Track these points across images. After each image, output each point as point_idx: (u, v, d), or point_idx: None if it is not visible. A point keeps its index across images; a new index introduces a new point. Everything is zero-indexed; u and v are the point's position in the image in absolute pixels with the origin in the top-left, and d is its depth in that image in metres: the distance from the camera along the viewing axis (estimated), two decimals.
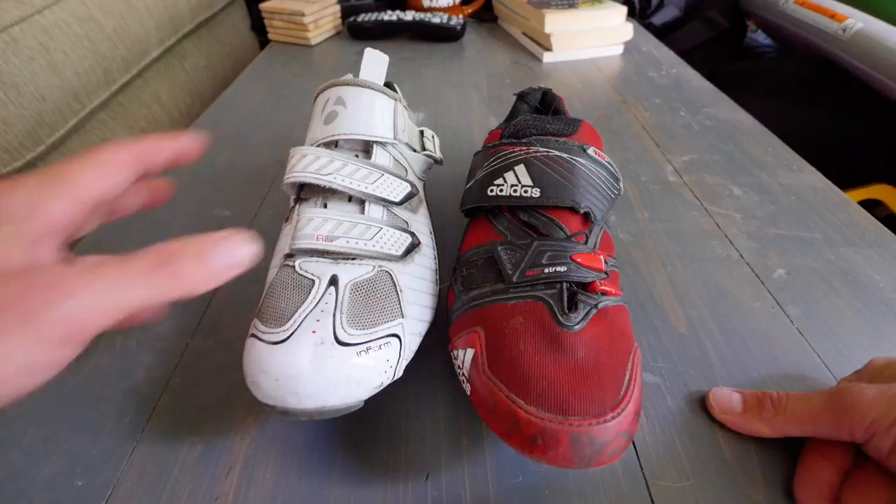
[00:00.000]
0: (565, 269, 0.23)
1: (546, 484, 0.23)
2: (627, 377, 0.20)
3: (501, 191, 0.27)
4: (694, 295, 0.32)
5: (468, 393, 0.21)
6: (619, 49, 0.73)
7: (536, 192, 0.26)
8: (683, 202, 0.41)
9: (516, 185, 0.26)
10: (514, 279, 0.23)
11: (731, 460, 0.23)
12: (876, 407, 0.20)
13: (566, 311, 0.22)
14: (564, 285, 0.23)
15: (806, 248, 0.36)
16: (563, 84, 0.63)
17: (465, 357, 0.22)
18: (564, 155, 0.27)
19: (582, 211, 0.26)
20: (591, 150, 0.28)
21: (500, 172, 0.27)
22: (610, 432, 0.18)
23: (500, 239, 0.26)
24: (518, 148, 0.28)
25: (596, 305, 0.22)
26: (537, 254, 0.24)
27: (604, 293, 0.23)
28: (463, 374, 0.22)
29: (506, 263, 0.24)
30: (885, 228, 0.38)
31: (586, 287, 0.23)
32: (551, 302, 0.22)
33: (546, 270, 0.23)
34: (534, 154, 0.27)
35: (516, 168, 0.27)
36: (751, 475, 0.23)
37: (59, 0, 0.53)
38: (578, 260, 0.23)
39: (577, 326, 0.21)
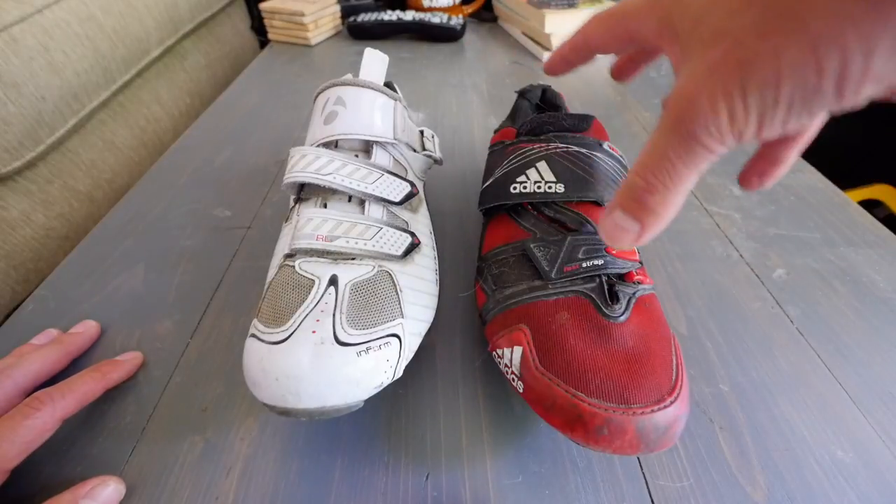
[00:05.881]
0: (602, 262, 0.23)
1: (546, 484, 0.23)
2: (674, 361, 0.20)
3: (525, 188, 0.27)
4: (694, 295, 0.32)
5: (520, 391, 0.21)
6: None
7: (561, 188, 0.26)
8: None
9: (539, 182, 0.27)
10: (553, 275, 0.23)
11: (730, 460, 0.23)
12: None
13: (609, 302, 0.22)
14: (603, 278, 0.23)
15: (806, 248, 0.36)
16: (562, 84, 0.63)
17: (512, 356, 0.22)
18: (584, 150, 0.27)
19: (605, 204, 0.26)
20: (605, 145, 0.28)
21: (521, 170, 0.28)
22: (670, 416, 0.18)
23: (529, 236, 0.26)
24: (537, 145, 0.28)
25: (634, 294, 0.23)
26: (572, 249, 0.24)
27: (639, 282, 0.24)
28: (512, 373, 0.22)
29: (541, 260, 0.24)
30: (885, 228, 0.38)
31: (623, 278, 0.24)
32: (593, 296, 0.22)
33: (584, 265, 0.23)
34: (554, 150, 0.27)
35: (538, 165, 0.27)
36: (751, 475, 0.23)
37: (58, 0, 0.53)
38: (613, 252, 0.24)
39: (621, 318, 0.22)
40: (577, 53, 0.23)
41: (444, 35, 0.76)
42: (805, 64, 0.12)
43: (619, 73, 0.26)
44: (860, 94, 0.12)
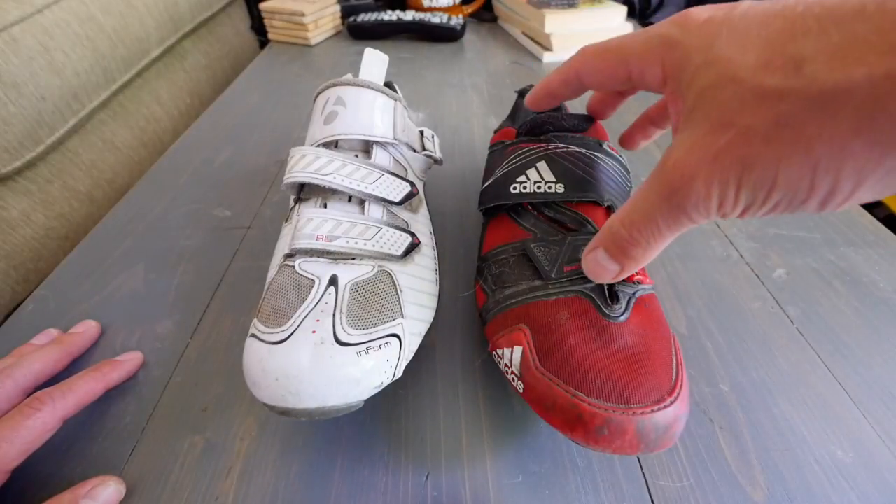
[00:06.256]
0: None
1: (546, 484, 0.23)
2: (674, 361, 0.20)
3: (525, 188, 0.27)
4: (694, 295, 0.32)
5: (520, 391, 0.21)
6: None
7: (561, 188, 0.26)
8: None
9: (539, 182, 0.27)
10: (553, 275, 0.23)
11: (731, 460, 0.23)
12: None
13: (609, 302, 0.22)
14: None
15: (806, 248, 0.36)
16: None
17: (512, 356, 0.22)
18: (584, 150, 0.27)
19: (605, 204, 0.26)
20: (605, 145, 0.28)
21: (521, 170, 0.28)
22: (670, 416, 0.18)
23: (529, 236, 0.26)
24: (537, 145, 0.28)
25: (634, 294, 0.23)
26: (572, 249, 0.24)
27: (639, 282, 0.23)
28: (512, 373, 0.22)
29: (541, 260, 0.24)
30: (885, 228, 0.38)
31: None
32: (593, 296, 0.22)
33: None
34: (554, 150, 0.27)
35: (538, 165, 0.27)
36: (751, 475, 0.23)
37: (59, 0, 0.53)
38: None
39: (621, 318, 0.21)
40: (566, 88, 0.22)
41: (444, 35, 0.76)
42: (801, 179, 0.13)
43: (599, 110, 0.27)
44: (838, 209, 0.14)
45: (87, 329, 0.29)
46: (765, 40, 0.14)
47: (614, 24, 0.71)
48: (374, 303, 0.22)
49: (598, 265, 0.19)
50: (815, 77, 0.12)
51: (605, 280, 0.20)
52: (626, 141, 0.27)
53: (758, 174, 0.14)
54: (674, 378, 0.20)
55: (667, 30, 0.17)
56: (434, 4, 0.85)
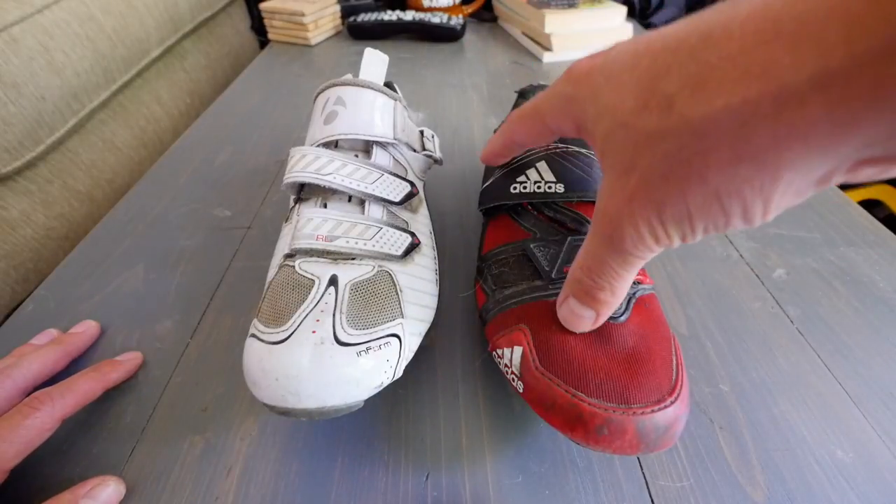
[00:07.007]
0: None
1: (546, 484, 0.23)
2: (674, 361, 0.20)
3: (525, 188, 0.27)
4: (694, 295, 0.32)
5: (520, 391, 0.21)
6: None
7: (560, 188, 0.26)
8: None
9: (539, 182, 0.27)
10: (553, 275, 0.23)
11: (730, 460, 0.23)
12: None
13: None
14: None
15: (806, 248, 0.36)
16: None
17: (512, 356, 0.22)
18: (583, 150, 0.27)
19: None
20: None
21: (521, 170, 0.28)
22: (670, 416, 0.18)
23: (529, 236, 0.26)
24: None
25: (634, 294, 0.23)
26: (572, 249, 0.24)
27: (639, 282, 0.23)
28: (512, 373, 0.22)
29: (541, 260, 0.24)
30: (885, 228, 0.38)
31: None
32: None
33: None
34: (553, 150, 0.27)
35: (538, 165, 0.27)
36: (751, 475, 0.23)
37: (59, 0, 0.53)
38: None
39: (622, 318, 0.21)
40: (508, 149, 0.24)
41: (444, 35, 0.76)
42: (710, 207, 0.13)
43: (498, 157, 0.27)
44: (769, 219, 0.14)
45: (86, 329, 0.29)
46: (636, 82, 0.14)
47: (614, 24, 0.71)
48: (374, 303, 0.22)
49: (573, 315, 0.20)
50: (683, 114, 0.13)
51: (585, 329, 0.20)
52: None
53: (672, 210, 0.14)
54: (674, 378, 0.20)
55: (562, 88, 0.18)
56: (434, 4, 0.85)
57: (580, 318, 0.20)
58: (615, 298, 0.19)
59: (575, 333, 0.21)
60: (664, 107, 0.13)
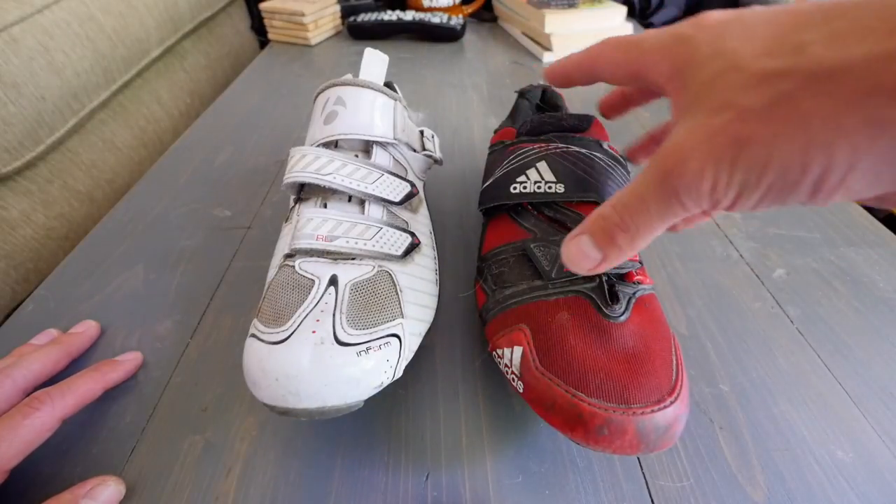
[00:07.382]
0: None
1: (546, 484, 0.23)
2: (674, 361, 0.20)
3: (525, 188, 0.27)
4: (694, 295, 0.32)
5: (520, 391, 0.21)
6: None
7: (561, 188, 0.26)
8: None
9: (539, 182, 0.27)
10: (553, 275, 0.23)
11: (730, 460, 0.23)
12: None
13: (609, 302, 0.22)
14: (603, 278, 0.23)
15: (806, 248, 0.36)
16: None
17: (512, 356, 0.22)
18: (583, 150, 0.27)
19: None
20: (605, 145, 0.28)
21: (521, 170, 0.28)
22: (670, 416, 0.18)
23: (529, 236, 0.26)
24: (537, 145, 0.28)
25: (634, 294, 0.23)
26: None
27: (639, 282, 0.24)
28: (512, 373, 0.22)
29: (541, 260, 0.24)
30: (885, 228, 0.38)
31: (623, 277, 0.24)
32: (593, 296, 0.22)
33: None
34: (553, 150, 0.27)
35: (538, 165, 0.27)
36: (751, 475, 0.23)
37: (59, 0, 0.53)
38: None
39: (622, 318, 0.22)
40: (580, 72, 0.22)
41: (444, 35, 0.76)
42: (793, 158, 0.13)
43: (608, 109, 0.26)
44: (829, 201, 0.14)
45: (86, 329, 0.29)
46: (771, 32, 0.14)
47: (614, 24, 0.71)
48: (374, 303, 0.22)
49: (580, 251, 0.18)
50: (814, 56, 0.13)
51: (582, 269, 0.18)
52: (630, 157, 0.28)
53: (752, 152, 0.14)
54: (674, 378, 0.20)
55: (681, 28, 0.18)
56: (434, 4, 0.85)
57: (584, 257, 0.18)
58: (631, 248, 0.17)
59: (575, 333, 0.21)
60: (794, 51, 0.13)
